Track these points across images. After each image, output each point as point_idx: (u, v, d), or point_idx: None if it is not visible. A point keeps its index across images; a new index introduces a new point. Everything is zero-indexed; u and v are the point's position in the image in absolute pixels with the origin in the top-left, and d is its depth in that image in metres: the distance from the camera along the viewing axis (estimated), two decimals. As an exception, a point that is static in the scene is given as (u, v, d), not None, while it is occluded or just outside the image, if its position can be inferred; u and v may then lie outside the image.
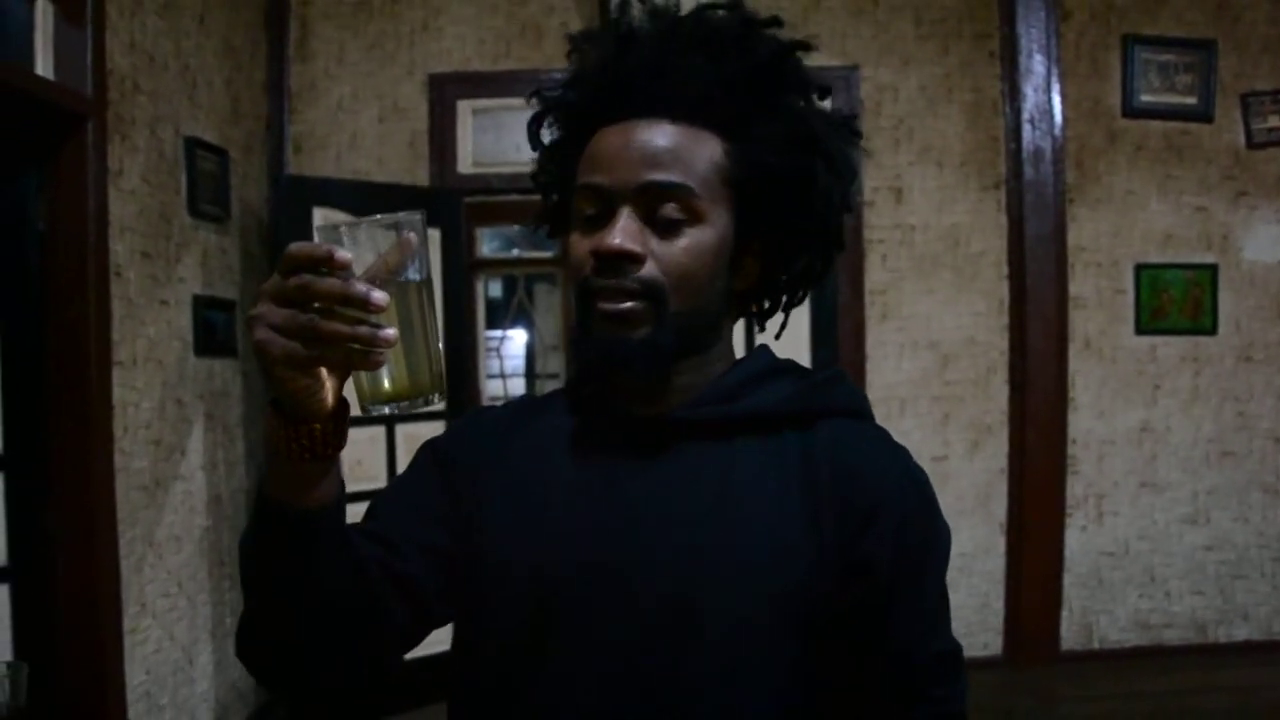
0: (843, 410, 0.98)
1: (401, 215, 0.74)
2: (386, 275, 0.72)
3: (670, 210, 0.89)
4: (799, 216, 0.95)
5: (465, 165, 4.06)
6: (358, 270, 0.71)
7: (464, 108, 4.06)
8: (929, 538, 0.93)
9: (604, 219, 0.90)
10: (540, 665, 0.90)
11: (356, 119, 4.06)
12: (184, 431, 3.20)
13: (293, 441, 0.75)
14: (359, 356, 0.71)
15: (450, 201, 4.00)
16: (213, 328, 3.38)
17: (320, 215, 3.61)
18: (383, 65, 4.05)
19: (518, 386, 7.67)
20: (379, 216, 0.74)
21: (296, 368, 0.71)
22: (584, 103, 0.97)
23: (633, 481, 0.93)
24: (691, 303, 0.91)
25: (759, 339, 1.05)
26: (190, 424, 3.25)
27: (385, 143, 4.06)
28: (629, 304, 0.88)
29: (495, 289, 7.93)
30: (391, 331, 0.70)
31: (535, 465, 0.98)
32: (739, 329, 1.05)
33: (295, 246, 0.70)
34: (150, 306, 3.00)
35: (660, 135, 0.90)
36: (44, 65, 2.62)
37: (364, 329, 0.69)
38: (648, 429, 0.94)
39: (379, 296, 0.69)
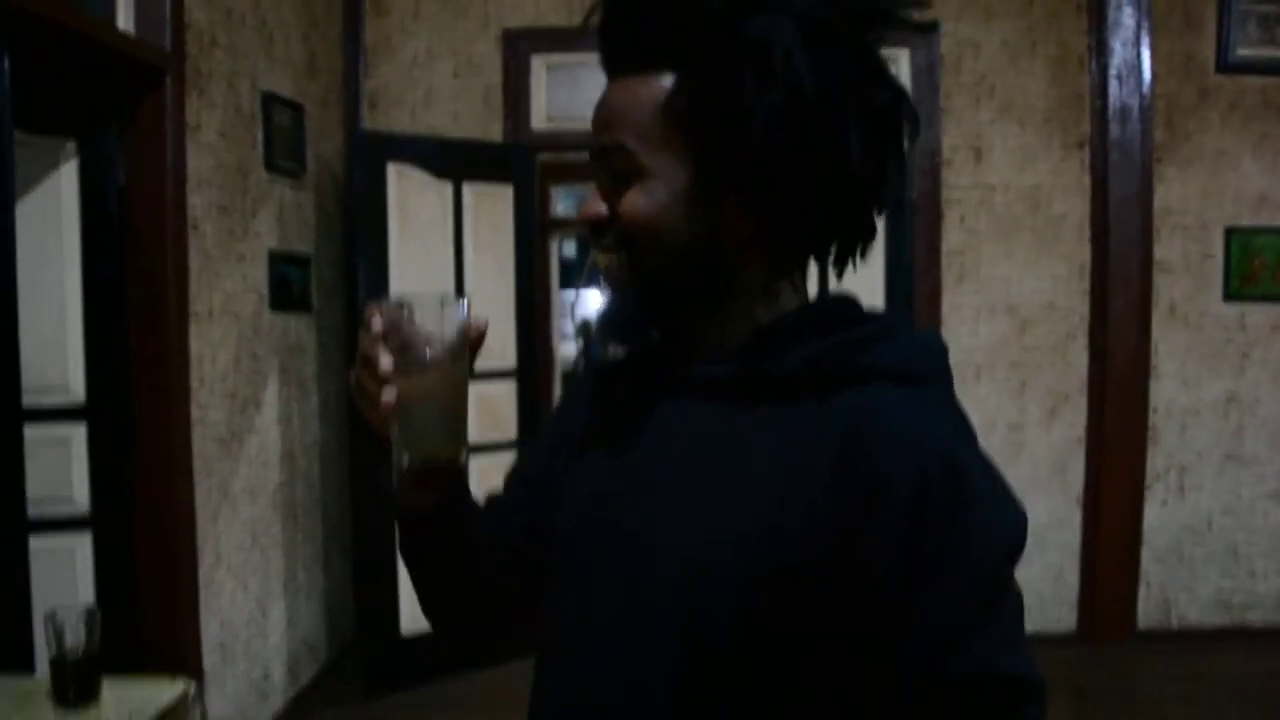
0: (883, 373, 0.81)
1: (445, 294, 0.85)
2: (438, 348, 0.83)
3: (619, 169, 0.86)
4: (744, 150, 0.81)
5: (539, 121, 4.03)
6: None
7: (538, 63, 4.03)
8: (956, 535, 0.75)
9: None
10: (548, 622, 0.95)
11: (431, 74, 4.05)
12: (259, 385, 3.24)
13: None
14: (366, 404, 0.84)
15: (524, 158, 3.98)
16: (288, 283, 3.41)
17: (394, 170, 3.60)
18: (457, 20, 4.03)
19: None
20: (430, 294, 0.85)
21: (357, 400, 0.86)
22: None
23: (635, 445, 0.90)
24: (656, 255, 0.85)
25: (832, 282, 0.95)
26: (265, 378, 3.28)
27: (460, 98, 4.05)
28: (611, 258, 0.88)
29: (569, 249, 7.92)
30: (389, 397, 0.81)
31: (587, 427, 0.99)
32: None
33: (368, 306, 0.84)
34: (227, 260, 3.02)
35: (611, 94, 0.87)
36: (125, 19, 2.64)
37: (371, 384, 0.82)
38: (661, 389, 0.90)
39: (385, 362, 0.80)
